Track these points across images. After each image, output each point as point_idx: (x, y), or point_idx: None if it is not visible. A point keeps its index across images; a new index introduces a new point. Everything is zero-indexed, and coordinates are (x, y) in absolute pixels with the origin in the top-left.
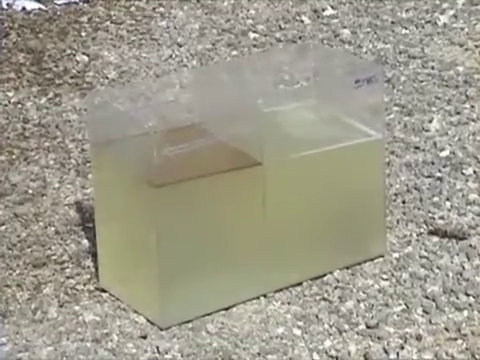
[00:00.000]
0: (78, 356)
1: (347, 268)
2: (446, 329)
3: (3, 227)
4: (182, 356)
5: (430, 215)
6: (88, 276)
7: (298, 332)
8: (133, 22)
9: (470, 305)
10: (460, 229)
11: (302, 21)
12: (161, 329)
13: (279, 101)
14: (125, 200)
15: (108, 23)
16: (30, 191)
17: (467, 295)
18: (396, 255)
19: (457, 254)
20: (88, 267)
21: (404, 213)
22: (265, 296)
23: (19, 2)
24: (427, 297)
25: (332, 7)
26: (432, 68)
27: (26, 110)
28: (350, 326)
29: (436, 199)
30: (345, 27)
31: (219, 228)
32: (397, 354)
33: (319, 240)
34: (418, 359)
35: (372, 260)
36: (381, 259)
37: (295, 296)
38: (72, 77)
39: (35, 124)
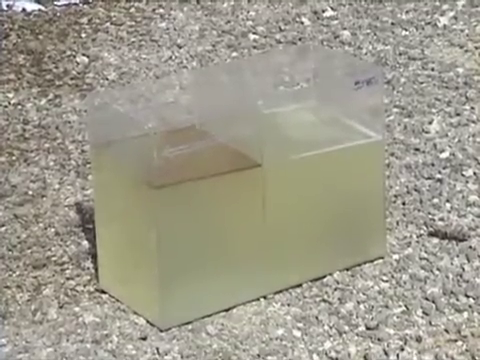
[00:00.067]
0: (78, 357)
1: (347, 269)
2: (446, 331)
3: (3, 228)
4: (182, 357)
5: (430, 217)
6: (88, 277)
7: (298, 333)
8: (133, 23)
9: (470, 307)
10: (460, 231)
11: (302, 22)
12: (161, 330)
13: (279, 102)
14: (125, 201)
15: (108, 24)
16: (30, 192)
17: (467, 297)
18: (396, 257)
19: (457, 256)
20: (88, 268)
21: (404, 214)
22: (265, 297)
23: (19, 3)
24: (427, 299)
25: (332, 8)
26: (432, 70)
27: (26, 111)
28: (350, 327)
29: (436, 201)
30: (345, 28)
31: (219, 229)
32: (397, 356)
33: (319, 241)
34: None
35: (372, 261)
36: (381, 260)
37: (295, 297)
38: (72, 78)
39: (35, 125)
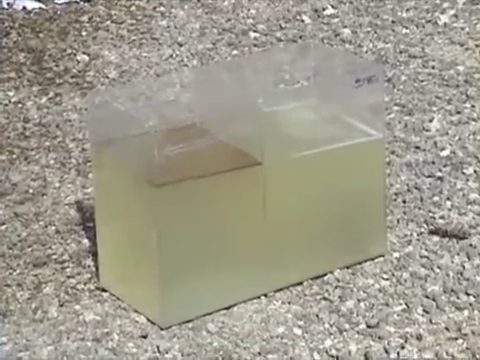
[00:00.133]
0: (78, 355)
1: (347, 268)
2: (446, 329)
3: (3, 226)
4: (182, 356)
5: (430, 215)
6: (88, 275)
7: (299, 331)
8: (134, 21)
9: (470, 305)
10: (460, 229)
11: (302, 20)
12: (161, 328)
13: (279, 100)
14: (126, 199)
15: (109, 22)
16: (30, 190)
17: (467, 295)
18: (396, 255)
19: (457, 254)
20: (88, 266)
21: (404, 213)
22: (266, 295)
23: (20, 1)
24: (427, 297)
25: (332, 6)
26: (432, 67)
27: (26, 109)
28: (350, 325)
29: (436, 199)
30: (345, 26)
31: (219, 227)
32: (398, 354)
33: (319, 239)
34: (419, 359)
35: (372, 260)
36: (381, 259)
37: (296, 295)
38: (72, 76)
39: (35, 123)
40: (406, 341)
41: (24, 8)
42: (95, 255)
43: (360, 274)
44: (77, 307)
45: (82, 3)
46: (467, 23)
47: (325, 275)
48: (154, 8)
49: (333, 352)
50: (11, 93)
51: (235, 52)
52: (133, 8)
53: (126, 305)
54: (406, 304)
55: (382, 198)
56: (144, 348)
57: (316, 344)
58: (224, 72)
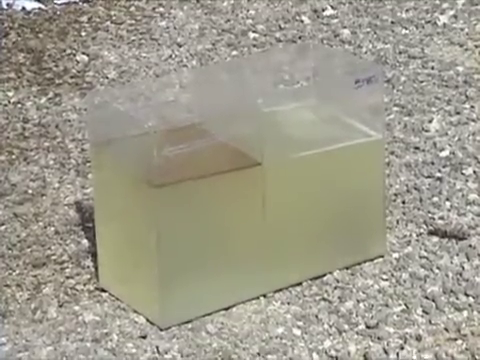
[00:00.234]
0: (78, 356)
1: (347, 268)
2: (446, 329)
3: (3, 227)
4: (182, 356)
5: (430, 215)
6: (88, 276)
7: (298, 332)
8: (133, 22)
9: (470, 305)
10: (460, 229)
11: (302, 21)
12: (161, 329)
13: (279, 101)
14: (125, 200)
15: (108, 23)
16: (30, 191)
17: (467, 295)
18: (396, 255)
19: (457, 254)
20: (88, 267)
21: (404, 213)
22: (265, 296)
23: (19, 2)
24: (427, 297)
25: (332, 7)
26: (432, 68)
27: (26, 110)
28: (350, 326)
29: (436, 199)
30: (345, 27)
31: (219, 228)
32: (397, 354)
33: (319, 240)
34: (418, 359)
35: (372, 260)
36: (381, 259)
37: (295, 296)
38: (72, 77)
39: (35, 124)
40: (405, 342)
41: (23, 8)
42: (94, 256)
43: (359, 275)
44: (76, 308)
45: (81, 3)
46: (466, 24)
47: (324, 276)
48: (153, 9)
49: (332, 353)
50: (10, 93)
51: (234, 53)
52: (132, 8)
53: (125, 306)
54: (405, 305)
55: (381, 199)
56: (143, 348)
57: (315, 345)
58: (223, 73)
